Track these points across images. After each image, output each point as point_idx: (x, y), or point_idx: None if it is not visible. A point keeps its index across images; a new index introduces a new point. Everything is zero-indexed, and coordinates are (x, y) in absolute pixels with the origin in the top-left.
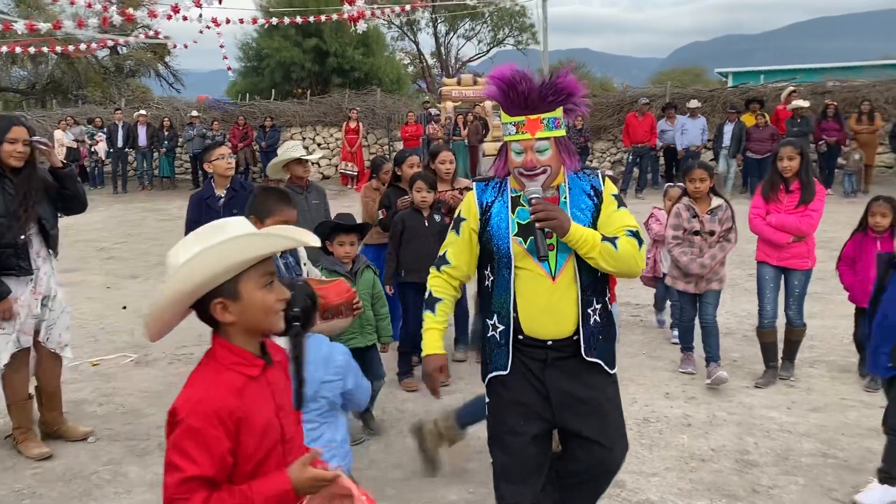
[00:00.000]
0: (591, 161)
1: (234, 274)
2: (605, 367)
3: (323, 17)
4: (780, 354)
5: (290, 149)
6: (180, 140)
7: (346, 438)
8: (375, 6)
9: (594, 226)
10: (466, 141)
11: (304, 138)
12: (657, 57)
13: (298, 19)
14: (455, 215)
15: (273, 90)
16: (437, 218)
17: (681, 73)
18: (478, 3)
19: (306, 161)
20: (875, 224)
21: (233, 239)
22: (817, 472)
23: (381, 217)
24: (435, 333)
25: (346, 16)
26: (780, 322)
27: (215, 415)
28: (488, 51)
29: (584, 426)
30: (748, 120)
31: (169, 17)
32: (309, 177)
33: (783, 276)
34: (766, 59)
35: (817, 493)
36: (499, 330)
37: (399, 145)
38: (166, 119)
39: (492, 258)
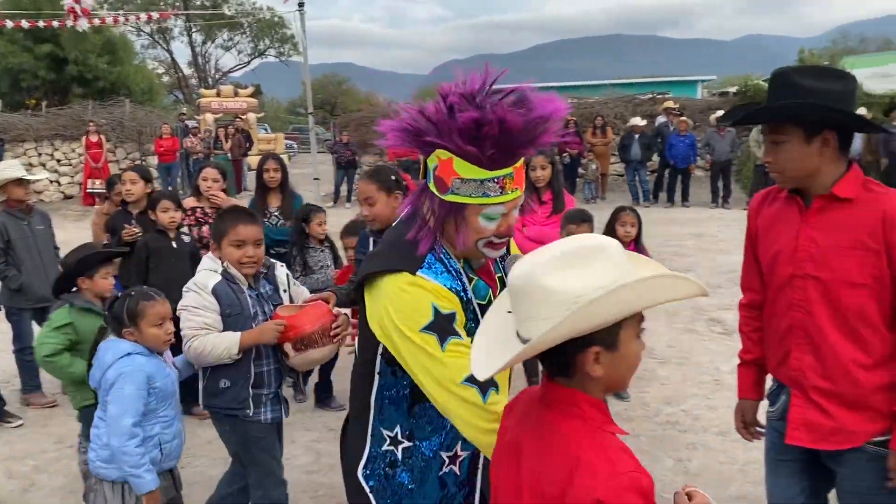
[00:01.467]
0: (359, 175)
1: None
2: None
3: (41, 23)
4: None
5: (7, 168)
6: None
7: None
8: (120, 12)
9: None
10: (229, 155)
11: (39, 154)
12: (419, 73)
13: (24, 23)
14: (434, 317)
15: None
16: (187, 239)
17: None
18: (234, 14)
19: (28, 182)
20: (625, 234)
21: (657, 278)
22: None
23: (105, 242)
24: None
25: (65, 8)
26: None
27: (638, 490)
28: (249, 62)
29: None
30: None
31: None
32: (31, 199)
33: None
34: (514, 78)
35: None
36: (460, 459)
37: (153, 160)
38: None
39: None
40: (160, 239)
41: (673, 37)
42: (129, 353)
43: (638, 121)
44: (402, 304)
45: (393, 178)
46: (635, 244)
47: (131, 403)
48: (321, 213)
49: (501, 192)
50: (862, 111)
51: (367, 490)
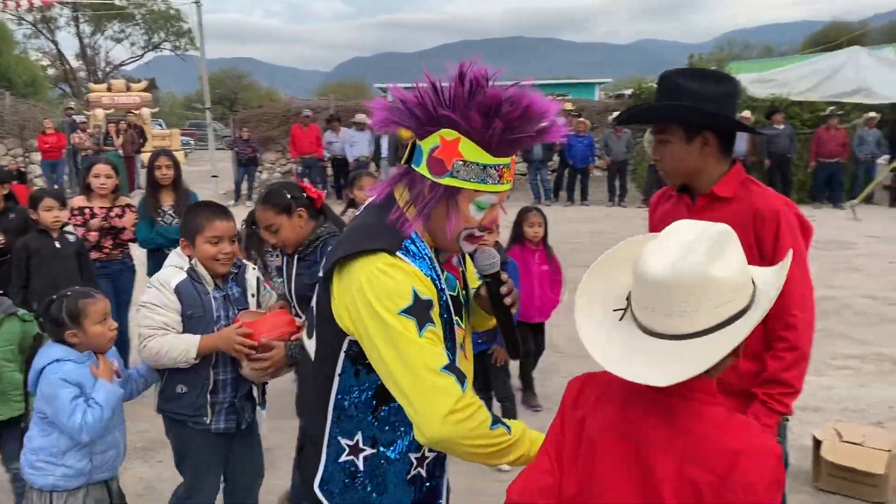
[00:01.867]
0: (261, 172)
1: None
2: None
3: None
4: None
5: None
6: None
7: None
8: None
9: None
10: (121, 151)
11: None
12: (322, 70)
13: None
14: (414, 300)
15: None
16: (72, 239)
17: (345, 86)
18: (126, 4)
19: None
20: (534, 234)
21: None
22: None
23: None
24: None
25: None
26: None
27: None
28: (143, 55)
29: None
30: (406, 134)
31: None
32: None
33: None
34: (419, 76)
35: None
36: (427, 460)
37: (36, 156)
38: None
39: None
40: (41, 239)
41: (572, 40)
42: (57, 360)
43: None
44: (380, 285)
45: (288, 194)
46: (543, 244)
47: (69, 402)
48: None
49: (499, 181)
50: (746, 114)
51: None
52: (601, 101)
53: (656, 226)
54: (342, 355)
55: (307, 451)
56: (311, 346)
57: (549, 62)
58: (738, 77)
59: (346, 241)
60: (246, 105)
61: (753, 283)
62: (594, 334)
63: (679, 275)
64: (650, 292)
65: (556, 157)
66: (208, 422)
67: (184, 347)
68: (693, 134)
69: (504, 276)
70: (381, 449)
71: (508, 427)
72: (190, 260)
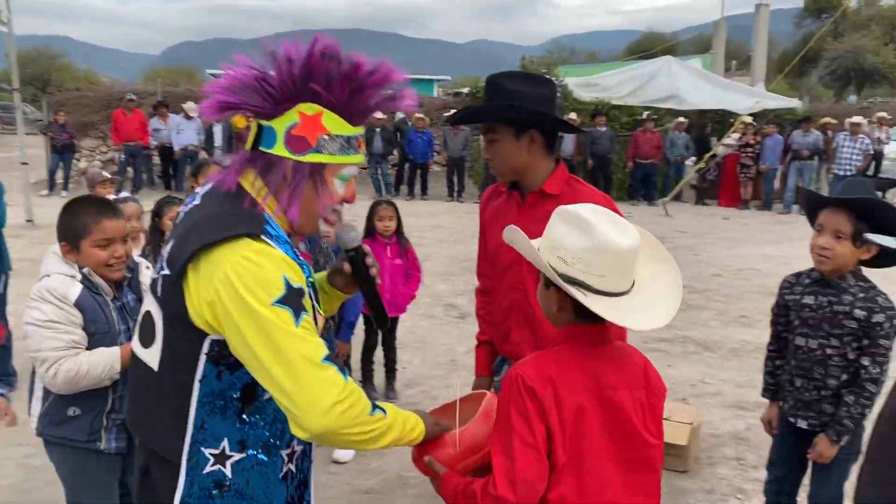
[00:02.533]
0: (78, 160)
1: None
2: None
3: None
4: None
5: None
6: None
7: None
8: None
9: None
10: None
11: None
12: (150, 53)
13: None
14: (287, 289)
15: None
16: None
17: (174, 71)
18: None
19: None
20: (385, 228)
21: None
22: None
23: None
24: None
25: None
26: None
27: None
28: None
29: None
30: (241, 122)
31: None
32: None
33: None
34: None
35: None
36: (296, 455)
37: None
38: None
39: None
40: None
41: (411, 35)
42: None
43: (379, 115)
44: (249, 274)
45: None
46: (397, 237)
47: None
48: (175, 205)
49: (358, 151)
50: (573, 115)
51: None
52: (440, 97)
53: (488, 222)
54: (202, 359)
55: (154, 473)
56: (149, 355)
57: (390, 57)
58: (566, 80)
59: (197, 232)
60: (61, 87)
61: None
62: (607, 307)
63: (637, 244)
64: (615, 261)
65: (396, 152)
66: (102, 446)
67: (105, 362)
68: (521, 132)
69: (366, 247)
70: (251, 452)
71: (384, 410)
72: (81, 268)
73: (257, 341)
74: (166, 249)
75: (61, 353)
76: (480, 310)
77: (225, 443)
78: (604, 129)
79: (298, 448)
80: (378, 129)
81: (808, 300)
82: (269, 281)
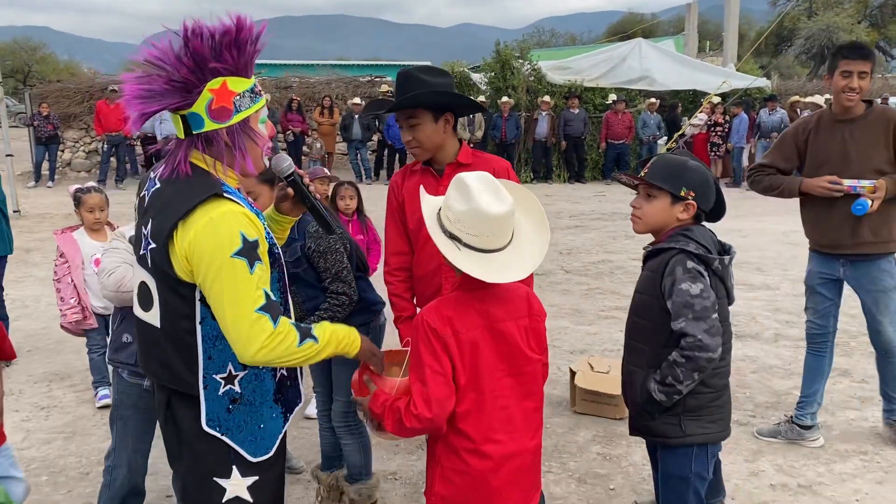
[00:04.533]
0: (62, 151)
1: None
2: None
3: None
4: None
5: None
6: None
7: None
8: None
9: None
10: None
11: None
12: (131, 42)
13: None
14: (243, 243)
15: None
16: None
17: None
18: None
19: None
20: (346, 207)
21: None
22: None
23: None
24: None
25: None
26: None
27: None
28: None
29: None
30: None
31: None
32: None
33: None
34: None
35: None
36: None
37: None
38: None
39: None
40: None
41: (395, 21)
42: None
43: (357, 101)
44: (213, 232)
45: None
46: (357, 215)
47: None
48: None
49: (262, 95)
50: (546, 98)
51: (221, 436)
52: None
53: (406, 199)
54: (198, 305)
55: (176, 406)
56: (150, 317)
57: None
58: (539, 64)
59: (172, 207)
60: (43, 78)
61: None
62: (470, 262)
63: (507, 211)
64: (487, 223)
65: (375, 138)
66: (147, 385)
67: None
68: (438, 115)
69: (300, 171)
70: (251, 367)
71: (316, 338)
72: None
73: (214, 289)
74: (147, 228)
75: (115, 265)
76: (396, 289)
77: (230, 366)
78: (577, 111)
79: None
80: (357, 116)
81: None
82: (228, 236)
